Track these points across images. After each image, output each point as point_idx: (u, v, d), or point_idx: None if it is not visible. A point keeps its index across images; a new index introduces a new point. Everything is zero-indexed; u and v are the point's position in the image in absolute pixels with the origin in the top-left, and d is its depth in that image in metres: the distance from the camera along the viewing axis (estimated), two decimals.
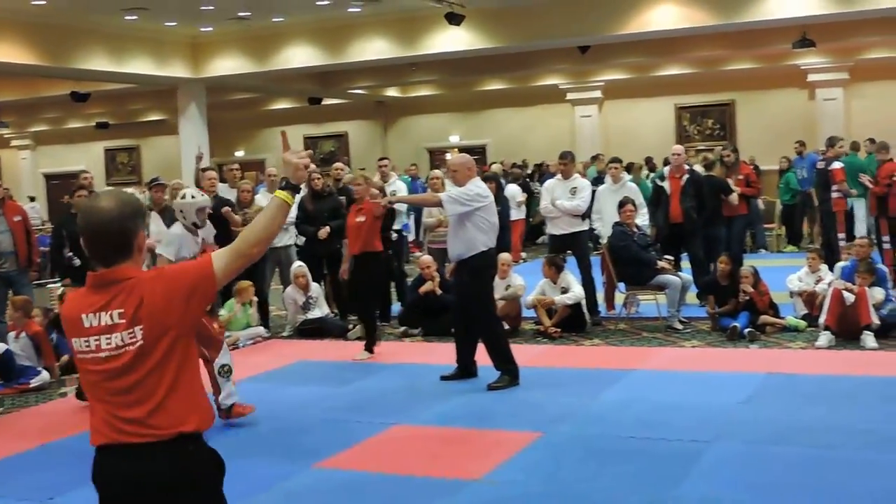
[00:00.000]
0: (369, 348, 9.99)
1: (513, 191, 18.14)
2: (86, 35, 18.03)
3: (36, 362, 9.70)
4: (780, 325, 10.35)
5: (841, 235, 13.10)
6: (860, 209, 13.92)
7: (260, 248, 3.23)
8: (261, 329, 11.49)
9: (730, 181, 12.83)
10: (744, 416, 7.18)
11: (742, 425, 6.94)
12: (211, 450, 3.17)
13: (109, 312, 3.04)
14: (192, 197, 8.07)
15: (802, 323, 10.35)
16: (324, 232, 11.61)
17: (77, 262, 10.60)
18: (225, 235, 11.38)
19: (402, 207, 12.92)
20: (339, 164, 13.21)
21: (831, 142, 13.72)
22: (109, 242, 3.08)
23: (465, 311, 8.63)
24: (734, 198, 12.57)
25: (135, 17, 17.81)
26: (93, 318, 3.05)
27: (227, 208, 11.07)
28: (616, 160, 12.53)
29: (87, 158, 31.44)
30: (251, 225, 3.27)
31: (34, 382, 9.45)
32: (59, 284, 11.43)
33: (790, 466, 6.04)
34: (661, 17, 17.07)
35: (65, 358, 9.98)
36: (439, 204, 8.54)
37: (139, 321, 3.01)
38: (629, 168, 19.59)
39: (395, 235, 12.24)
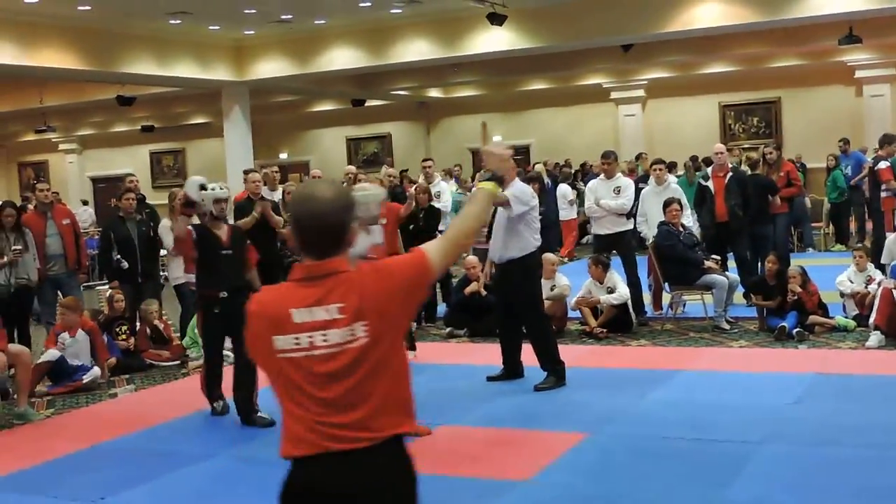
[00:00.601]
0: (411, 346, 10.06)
1: (564, 190, 18.24)
2: (131, 39, 18.23)
3: (88, 360, 9.76)
4: (829, 325, 10.23)
5: (891, 234, 12.93)
6: None
7: (471, 239, 3.19)
8: None
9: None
10: (793, 417, 7.11)
11: (792, 426, 6.87)
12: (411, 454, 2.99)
13: (326, 307, 2.83)
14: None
15: (852, 323, 10.22)
16: None
17: (125, 264, 10.72)
18: (265, 237, 11.53)
19: (446, 208, 12.92)
20: (391, 171, 13.24)
21: (887, 139, 13.47)
22: (328, 233, 2.88)
23: (512, 311, 8.61)
24: (776, 200, 12.44)
25: (178, 22, 17.97)
26: (305, 314, 2.82)
27: (265, 203, 11.10)
28: (659, 161, 12.42)
29: (132, 162, 31.74)
30: (462, 217, 3.18)
31: (86, 378, 9.52)
32: (106, 287, 11.53)
33: (840, 467, 5.97)
34: (705, 15, 16.95)
35: (112, 360, 10.08)
36: (507, 203, 8.32)
37: (363, 317, 2.82)
38: (671, 167, 19.48)
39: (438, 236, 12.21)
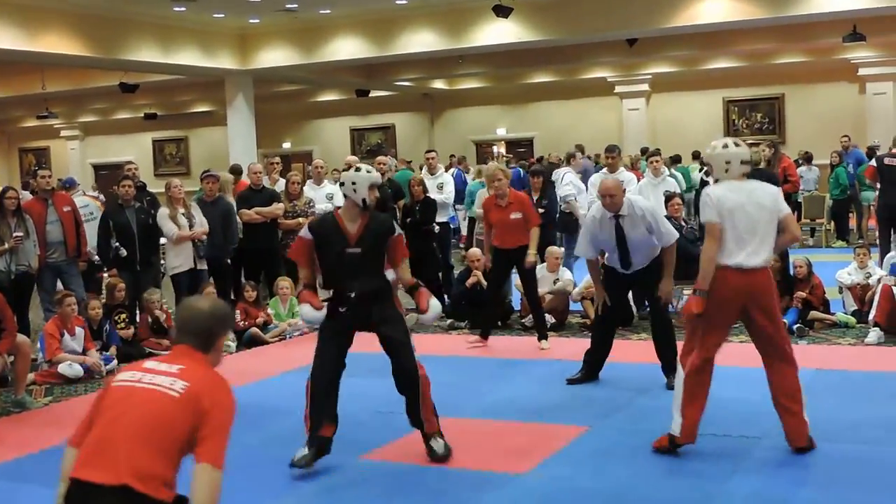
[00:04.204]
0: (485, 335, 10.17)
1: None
2: (135, 26, 18.22)
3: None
4: (830, 322, 10.25)
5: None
6: None
7: None
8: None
9: None
10: None
11: None
12: None
13: None
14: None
15: (852, 319, 10.24)
16: None
17: (124, 252, 10.69)
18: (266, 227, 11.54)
19: (449, 199, 12.90)
20: (381, 159, 13.20)
21: None
22: None
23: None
24: None
25: (183, 9, 17.96)
26: None
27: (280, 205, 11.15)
28: (656, 153, 12.46)
29: (135, 149, 31.76)
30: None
31: (108, 367, 9.66)
32: (106, 275, 11.51)
33: (839, 463, 5.98)
34: (710, 10, 16.95)
35: (112, 349, 10.07)
36: None
37: None
38: (676, 161, 19.51)
39: (437, 228, 12.12)
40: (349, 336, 6.41)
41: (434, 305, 6.51)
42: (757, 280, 6.07)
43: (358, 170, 6.40)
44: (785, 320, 9.88)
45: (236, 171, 14.03)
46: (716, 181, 6.33)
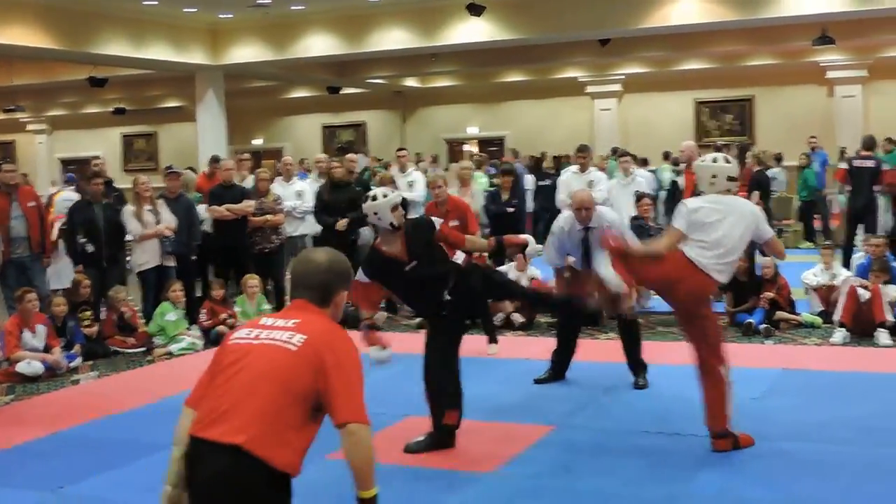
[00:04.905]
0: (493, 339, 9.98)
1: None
2: (104, 19, 18.04)
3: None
4: (796, 322, 10.34)
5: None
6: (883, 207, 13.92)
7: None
8: None
9: None
10: (758, 412, 7.12)
11: (756, 421, 6.87)
12: None
13: None
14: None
15: (818, 319, 10.33)
16: (343, 223, 11.54)
17: (90, 248, 10.60)
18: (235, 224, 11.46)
19: (419, 198, 12.87)
20: (352, 156, 13.16)
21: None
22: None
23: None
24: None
25: (154, 3, 17.83)
26: None
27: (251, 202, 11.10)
28: (625, 154, 12.51)
29: (103, 144, 31.49)
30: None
31: (72, 364, 9.62)
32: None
33: (804, 462, 6.01)
34: (682, 12, 16.99)
35: (77, 347, 9.98)
36: None
37: None
38: (643, 163, 19.54)
39: None
40: (459, 328, 6.76)
41: (528, 238, 7.20)
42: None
43: (374, 199, 6.48)
44: (751, 320, 10.04)
45: (215, 160, 13.77)
46: (699, 193, 6.47)
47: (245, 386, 3.37)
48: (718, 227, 6.13)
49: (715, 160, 6.45)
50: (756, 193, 12.02)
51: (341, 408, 3.35)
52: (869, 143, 13.35)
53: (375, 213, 6.43)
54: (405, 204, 7.06)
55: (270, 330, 3.50)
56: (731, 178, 6.36)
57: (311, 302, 3.61)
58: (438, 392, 6.49)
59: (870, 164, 12.87)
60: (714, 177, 6.34)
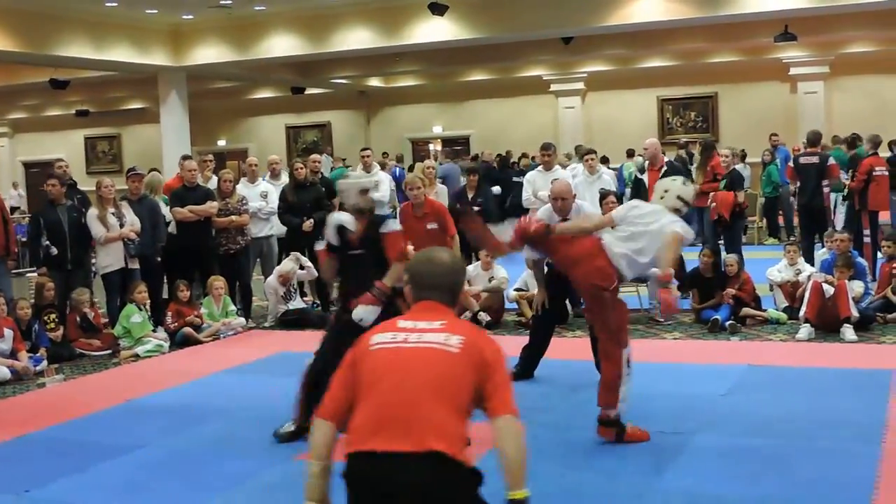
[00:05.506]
0: None
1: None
2: (65, 21, 17.91)
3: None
4: (762, 318, 10.38)
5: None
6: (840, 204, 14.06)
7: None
8: (241, 321, 11.41)
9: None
10: (725, 408, 7.18)
11: (723, 417, 6.94)
12: None
13: None
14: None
15: (783, 316, 10.39)
16: (308, 224, 11.52)
17: (54, 250, 10.50)
18: (200, 226, 11.39)
19: (384, 198, 12.83)
20: (315, 157, 13.11)
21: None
22: None
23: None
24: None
25: (115, 4, 17.71)
26: None
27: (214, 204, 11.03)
28: (590, 151, 12.54)
29: (66, 147, 31.26)
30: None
31: (38, 368, 9.52)
32: (36, 274, 11.30)
33: (771, 458, 6.04)
34: (645, 9, 17.08)
35: (42, 350, 9.89)
36: None
37: None
38: (604, 161, 19.60)
39: None
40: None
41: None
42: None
43: (347, 177, 6.94)
44: (717, 316, 10.10)
45: (187, 157, 13.62)
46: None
47: (417, 392, 3.33)
48: (646, 229, 6.32)
49: (674, 179, 6.77)
50: (741, 193, 12.13)
51: (502, 401, 3.43)
52: (814, 140, 13.43)
53: (343, 191, 6.76)
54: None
55: (420, 333, 3.49)
56: (680, 199, 6.54)
57: (442, 302, 3.63)
58: (317, 389, 5.99)
59: (815, 160, 12.96)
60: (666, 191, 6.58)
